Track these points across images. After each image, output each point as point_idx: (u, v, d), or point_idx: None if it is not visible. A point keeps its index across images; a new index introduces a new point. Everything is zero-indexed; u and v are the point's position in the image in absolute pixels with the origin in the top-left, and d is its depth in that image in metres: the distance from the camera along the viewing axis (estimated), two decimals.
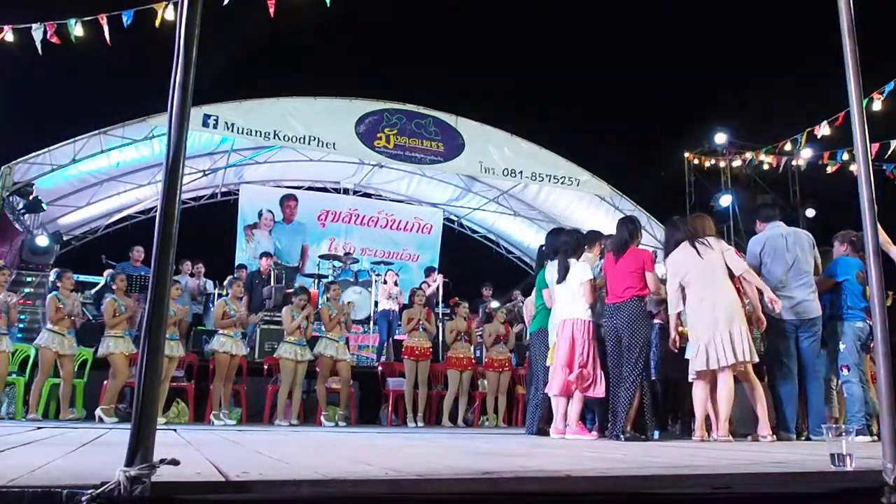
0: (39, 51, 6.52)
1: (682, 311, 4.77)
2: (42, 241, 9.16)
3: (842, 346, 5.00)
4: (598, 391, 4.70)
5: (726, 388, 4.41)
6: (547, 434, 5.04)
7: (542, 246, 6.09)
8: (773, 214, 5.34)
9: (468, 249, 14.29)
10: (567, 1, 17.43)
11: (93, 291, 9.17)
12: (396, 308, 9.61)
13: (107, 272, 8.12)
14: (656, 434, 4.96)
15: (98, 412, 6.57)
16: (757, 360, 4.47)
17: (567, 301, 4.90)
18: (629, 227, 4.81)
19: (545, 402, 5.25)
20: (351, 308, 8.02)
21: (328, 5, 5.90)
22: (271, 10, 5.81)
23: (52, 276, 7.12)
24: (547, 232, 5.96)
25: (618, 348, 4.62)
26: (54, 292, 6.88)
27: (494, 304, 10.21)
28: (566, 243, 5.03)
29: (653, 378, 5.11)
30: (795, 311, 4.91)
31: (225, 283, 8.64)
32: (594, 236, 5.43)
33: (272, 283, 9.69)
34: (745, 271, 4.53)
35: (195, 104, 3.36)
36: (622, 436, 4.35)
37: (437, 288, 10.38)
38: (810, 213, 11.63)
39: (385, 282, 10.06)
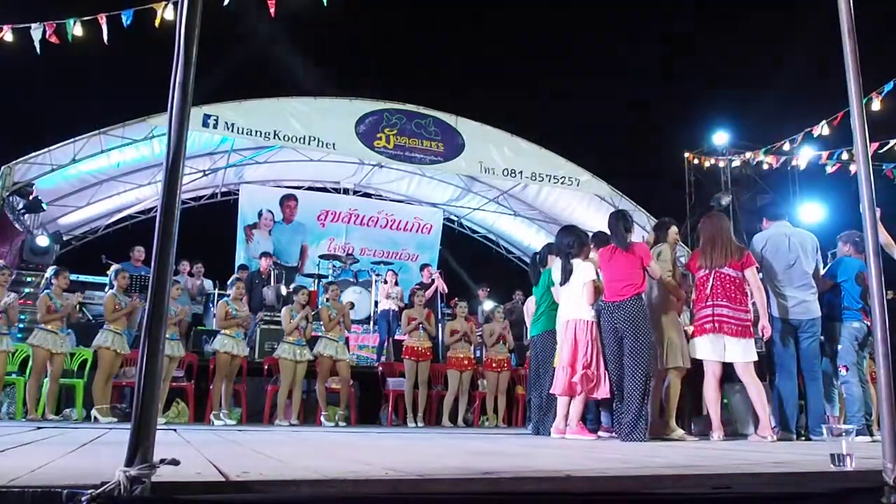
0: (38, 50, 6.51)
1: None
2: (42, 241, 9.16)
3: (838, 347, 5.02)
4: (603, 392, 4.69)
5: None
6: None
7: (535, 253, 6.10)
8: (780, 213, 5.38)
9: (468, 249, 14.31)
10: (566, 1, 17.44)
11: (102, 293, 9.15)
12: (396, 308, 9.61)
13: (113, 268, 8.15)
14: None
15: (94, 412, 6.57)
16: (681, 365, 4.73)
17: (570, 301, 4.89)
18: (625, 222, 4.76)
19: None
20: (350, 308, 8.01)
21: (325, 5, 5.88)
22: (272, 10, 5.79)
23: (48, 272, 7.10)
24: (547, 232, 5.96)
25: (617, 347, 4.57)
26: (47, 291, 6.86)
27: (488, 304, 10.18)
28: (570, 244, 5.00)
29: None
30: (795, 311, 4.92)
31: (228, 282, 8.64)
32: (602, 237, 5.39)
33: (272, 283, 9.69)
34: (659, 278, 4.75)
35: (195, 104, 3.36)
36: (637, 437, 4.28)
37: (436, 287, 10.37)
38: (810, 213, 11.61)
39: (385, 281, 10.06)
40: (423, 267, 11.31)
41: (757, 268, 4.81)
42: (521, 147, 10.84)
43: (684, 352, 4.79)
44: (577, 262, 4.91)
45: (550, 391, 5.04)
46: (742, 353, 4.63)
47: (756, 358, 4.70)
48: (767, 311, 4.81)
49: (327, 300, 7.76)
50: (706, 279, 4.76)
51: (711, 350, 4.67)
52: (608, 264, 4.72)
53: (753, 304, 4.83)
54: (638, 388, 4.37)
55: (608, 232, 4.91)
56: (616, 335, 4.57)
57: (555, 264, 5.23)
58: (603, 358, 4.73)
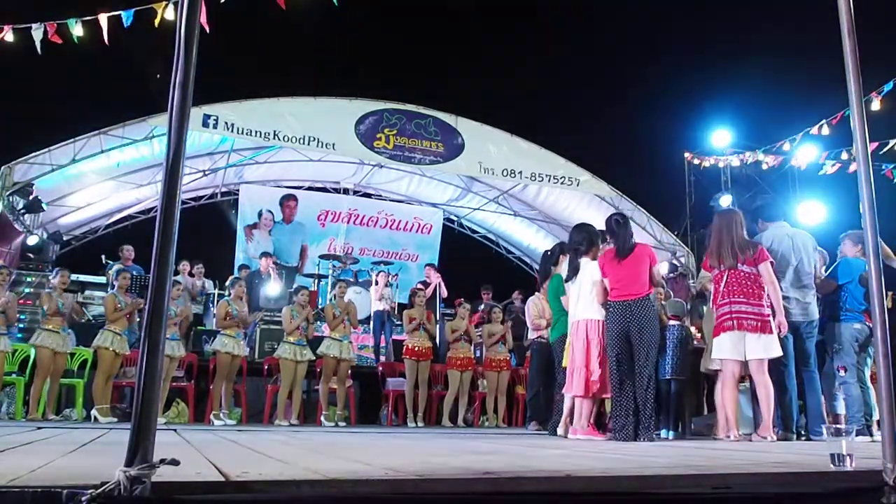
0: (39, 51, 6.51)
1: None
2: (33, 240, 9.17)
3: (838, 347, 5.01)
4: (607, 391, 4.67)
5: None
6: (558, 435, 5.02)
7: (547, 251, 6.05)
8: (777, 214, 5.35)
9: (468, 249, 14.29)
10: (566, 2, 17.45)
11: (102, 293, 9.16)
12: (389, 308, 9.61)
13: (115, 268, 8.19)
14: (670, 434, 5.01)
15: (94, 412, 6.58)
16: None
17: (580, 301, 4.84)
18: (627, 225, 4.73)
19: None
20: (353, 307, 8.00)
21: (336, 5, 5.81)
22: (282, 4, 5.73)
23: (51, 276, 7.20)
24: (547, 232, 5.95)
25: (626, 347, 4.47)
26: (48, 289, 6.91)
27: (482, 306, 10.18)
28: (578, 242, 4.96)
29: (667, 378, 5.11)
30: (796, 313, 4.91)
31: (227, 283, 8.65)
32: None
33: (271, 284, 9.68)
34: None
35: (195, 104, 3.35)
36: (652, 436, 4.28)
37: (435, 287, 10.36)
38: (810, 213, 11.61)
39: (376, 283, 10.01)
40: (428, 265, 11.36)
41: (771, 262, 4.71)
42: (521, 147, 10.84)
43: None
44: (584, 261, 4.87)
45: (563, 391, 4.99)
46: (763, 349, 4.52)
47: (781, 353, 4.59)
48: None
49: (333, 297, 7.75)
50: (720, 277, 4.72)
51: (732, 348, 4.58)
52: (618, 264, 4.61)
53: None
54: (647, 389, 4.34)
55: (608, 233, 4.86)
56: (624, 334, 4.47)
57: (563, 263, 5.23)
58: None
